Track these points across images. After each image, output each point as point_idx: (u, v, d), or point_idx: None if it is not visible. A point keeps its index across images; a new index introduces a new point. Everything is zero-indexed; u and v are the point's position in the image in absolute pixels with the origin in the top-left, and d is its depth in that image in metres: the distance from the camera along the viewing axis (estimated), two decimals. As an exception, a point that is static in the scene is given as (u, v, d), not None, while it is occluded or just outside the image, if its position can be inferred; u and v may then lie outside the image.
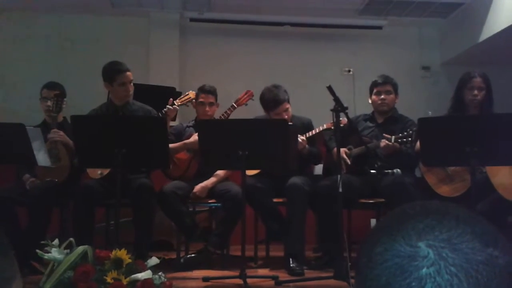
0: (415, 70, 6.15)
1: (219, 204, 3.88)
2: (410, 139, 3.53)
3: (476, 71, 3.75)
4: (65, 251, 2.43)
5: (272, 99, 3.85)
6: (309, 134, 3.88)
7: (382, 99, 3.92)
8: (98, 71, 3.80)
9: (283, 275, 3.42)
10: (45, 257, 2.41)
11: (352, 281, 2.87)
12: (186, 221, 3.81)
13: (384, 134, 3.69)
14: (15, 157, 3.38)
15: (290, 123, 3.44)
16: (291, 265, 3.55)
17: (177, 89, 4.98)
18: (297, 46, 6.03)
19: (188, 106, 3.98)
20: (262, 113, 4.01)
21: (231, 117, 4.07)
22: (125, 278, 2.35)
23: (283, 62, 5.95)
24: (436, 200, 0.67)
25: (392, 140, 3.60)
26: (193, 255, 3.82)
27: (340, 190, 3.12)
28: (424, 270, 0.58)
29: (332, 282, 3.15)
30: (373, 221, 4.70)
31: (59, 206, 3.78)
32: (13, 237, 3.32)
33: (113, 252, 2.42)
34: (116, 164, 3.21)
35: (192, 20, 5.83)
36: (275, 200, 3.86)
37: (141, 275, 2.38)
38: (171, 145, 3.62)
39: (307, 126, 3.95)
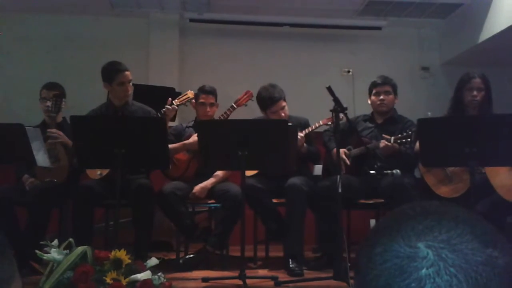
0: (414, 70, 6.15)
1: (218, 205, 3.88)
2: (409, 139, 3.53)
3: (476, 72, 3.76)
4: (65, 251, 2.43)
5: (268, 97, 3.86)
6: (305, 131, 3.88)
7: (381, 99, 3.92)
8: (98, 72, 3.80)
9: (282, 276, 3.42)
10: (45, 257, 2.41)
11: (352, 281, 2.87)
12: (185, 221, 3.81)
13: (383, 135, 3.69)
14: (14, 157, 3.38)
15: (290, 123, 3.43)
16: (291, 266, 3.55)
17: (177, 90, 4.98)
18: (296, 46, 6.03)
19: (187, 105, 3.98)
20: (262, 113, 4.01)
21: (230, 117, 4.07)
22: (125, 278, 2.34)
23: (283, 62, 5.95)
24: (436, 200, 0.67)
25: (392, 141, 3.60)
26: (192, 255, 3.82)
27: (340, 190, 3.12)
28: (424, 271, 0.58)
29: (331, 282, 3.15)
30: (372, 222, 4.71)
31: (58, 206, 3.78)
32: (13, 237, 3.32)
33: (113, 253, 2.42)
34: (115, 164, 3.21)
35: (191, 20, 5.83)
36: (274, 200, 3.86)
37: (141, 276, 2.38)
38: (170, 146, 3.62)
39: (304, 125, 3.96)
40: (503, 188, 3.31)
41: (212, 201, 3.91)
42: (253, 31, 5.95)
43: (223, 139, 3.32)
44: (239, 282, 3.11)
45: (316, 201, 3.74)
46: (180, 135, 4.08)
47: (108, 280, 2.32)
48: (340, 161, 3.37)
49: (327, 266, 3.52)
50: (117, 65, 3.75)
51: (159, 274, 2.48)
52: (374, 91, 3.97)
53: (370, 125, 4.01)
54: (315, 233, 4.47)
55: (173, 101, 3.86)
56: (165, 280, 2.49)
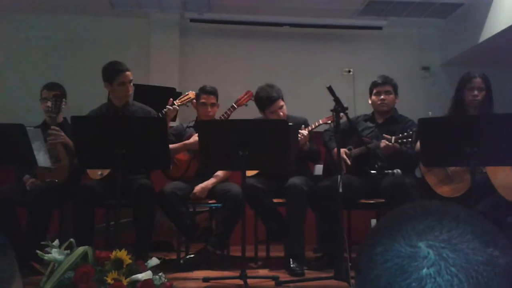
0: (415, 70, 6.15)
1: (219, 205, 3.88)
2: (410, 139, 3.53)
3: (476, 72, 3.76)
4: (66, 251, 2.43)
5: (266, 97, 3.86)
6: (309, 128, 3.89)
7: (382, 99, 3.92)
8: (98, 72, 3.80)
9: (283, 276, 3.42)
10: (45, 257, 2.41)
11: (353, 281, 2.87)
12: (186, 221, 3.81)
13: (384, 135, 3.69)
14: (15, 158, 3.38)
15: (290, 123, 3.43)
16: (292, 266, 3.55)
17: (177, 90, 4.99)
18: (297, 46, 6.03)
19: (188, 106, 3.98)
20: (260, 114, 4.01)
21: (231, 117, 4.08)
22: (126, 278, 2.34)
23: (283, 62, 5.95)
24: (436, 200, 0.67)
25: (392, 141, 3.60)
26: (193, 255, 3.82)
27: (340, 190, 3.12)
28: (424, 270, 0.58)
29: (332, 282, 3.15)
30: (373, 222, 4.71)
31: (59, 206, 3.79)
32: (13, 237, 3.32)
33: (113, 253, 2.42)
34: (116, 164, 3.21)
35: (192, 20, 5.83)
36: (274, 200, 3.86)
37: (142, 276, 2.38)
38: (171, 146, 3.62)
39: (303, 125, 3.95)
40: (504, 188, 3.30)
41: (213, 201, 3.91)
42: (253, 31, 5.95)
43: (224, 139, 3.32)
44: (240, 282, 3.11)
45: (316, 201, 3.74)
46: (180, 135, 4.08)
47: (109, 280, 2.32)
48: (340, 161, 3.37)
49: (328, 266, 3.52)
50: (117, 65, 3.75)
51: (160, 274, 2.48)
52: (374, 91, 3.97)
53: (371, 125, 4.01)
54: (315, 233, 4.47)
55: (174, 102, 3.86)
56: (166, 280, 2.49)
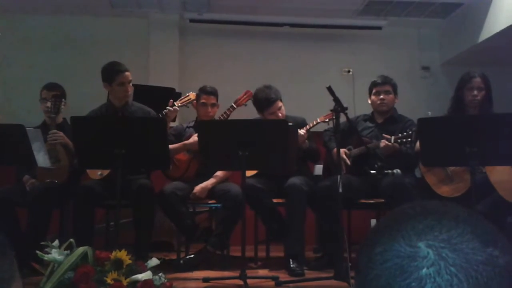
0: (414, 70, 6.15)
1: (219, 205, 3.88)
2: (410, 139, 3.53)
3: (476, 71, 3.76)
4: (65, 252, 2.43)
5: (265, 98, 3.86)
6: (307, 127, 3.89)
7: (381, 99, 3.92)
8: (98, 72, 3.80)
9: (283, 276, 3.42)
10: (45, 258, 2.41)
11: (352, 281, 2.87)
12: (186, 221, 3.81)
13: (383, 135, 3.69)
14: (15, 158, 3.38)
15: (290, 123, 3.43)
16: (291, 266, 3.55)
17: (177, 90, 4.99)
18: (296, 46, 6.03)
19: (188, 107, 3.99)
20: (259, 115, 4.01)
21: (230, 117, 4.08)
22: (125, 279, 2.34)
23: (283, 62, 5.95)
24: (436, 200, 0.67)
25: (392, 140, 3.60)
26: (193, 255, 3.82)
27: (340, 190, 3.12)
28: (424, 270, 0.58)
29: (332, 282, 3.15)
30: (373, 222, 4.70)
31: (59, 207, 3.78)
32: (13, 238, 3.32)
33: (113, 253, 2.42)
34: (115, 165, 3.21)
35: (191, 21, 5.83)
36: (274, 200, 3.86)
37: (141, 276, 2.38)
38: (170, 146, 3.62)
39: (301, 124, 3.95)
40: (504, 188, 3.30)
41: (213, 201, 3.91)
42: (253, 31, 5.95)
43: (224, 139, 3.32)
44: (240, 282, 3.11)
45: (316, 201, 3.74)
46: (180, 135, 4.08)
47: (109, 280, 2.32)
48: (340, 161, 3.37)
49: (328, 266, 3.52)
50: (117, 66, 3.75)
51: (159, 274, 2.48)
52: (374, 91, 3.97)
53: (371, 124, 4.01)
54: (315, 233, 4.47)
55: (175, 103, 3.86)
56: (166, 280, 2.49)
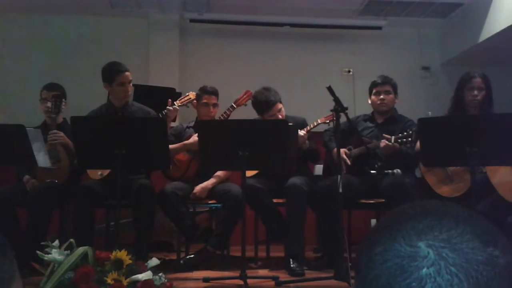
0: (415, 70, 6.15)
1: (219, 205, 3.88)
2: (410, 139, 3.53)
3: (476, 71, 3.75)
4: (65, 252, 2.43)
5: (264, 101, 3.85)
6: (307, 128, 3.89)
7: (381, 99, 3.92)
8: (98, 72, 3.81)
9: (283, 276, 3.42)
10: (45, 258, 2.41)
11: (352, 281, 2.87)
12: (186, 221, 3.81)
13: (384, 134, 3.69)
14: (15, 158, 3.38)
15: (290, 123, 3.43)
16: (292, 266, 3.55)
17: (177, 90, 4.99)
18: (296, 46, 6.03)
19: (188, 107, 3.99)
20: (259, 117, 4.01)
21: (230, 117, 4.08)
22: (126, 279, 2.35)
23: (283, 62, 5.95)
24: (436, 200, 0.67)
25: (392, 140, 3.60)
26: (193, 255, 3.82)
27: (340, 190, 3.12)
28: (424, 270, 0.58)
29: (332, 282, 3.15)
30: (373, 222, 4.70)
31: (59, 207, 3.78)
32: (13, 238, 3.33)
33: (114, 253, 2.42)
34: (116, 165, 3.21)
35: (191, 21, 5.83)
36: (275, 200, 3.86)
37: (142, 276, 2.38)
38: (170, 146, 3.61)
39: (301, 125, 3.95)
40: (504, 189, 3.30)
41: (213, 201, 3.91)
42: (253, 31, 5.95)
43: (224, 139, 3.32)
44: (240, 282, 3.11)
45: (316, 201, 3.74)
46: (180, 135, 4.08)
47: (109, 280, 2.32)
48: (340, 161, 3.37)
49: (328, 266, 3.52)
50: (117, 66, 3.75)
51: (160, 274, 2.48)
52: (374, 91, 3.97)
53: (371, 124, 4.01)
54: (315, 233, 4.47)
55: (174, 102, 3.86)
56: (166, 280, 2.50)
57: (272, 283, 3.22)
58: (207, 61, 5.93)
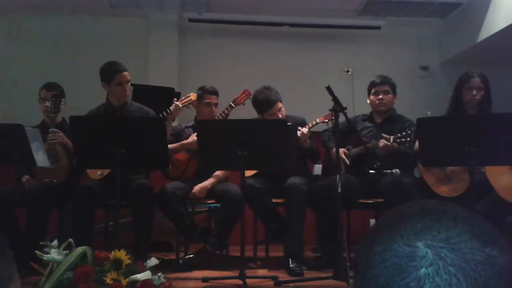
0: (413, 70, 6.14)
1: (218, 205, 3.88)
2: (408, 139, 3.53)
3: (475, 71, 3.76)
4: (64, 252, 2.43)
5: (264, 100, 3.85)
6: (308, 126, 3.89)
7: (380, 99, 3.92)
8: (97, 72, 3.80)
9: (282, 276, 3.42)
10: (44, 258, 2.41)
11: (351, 281, 2.87)
12: (185, 221, 3.81)
13: (382, 134, 3.69)
14: (14, 158, 3.37)
15: (289, 123, 3.43)
16: (291, 266, 3.55)
17: (176, 90, 4.98)
18: (295, 46, 6.03)
19: (189, 108, 3.99)
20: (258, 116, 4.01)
21: (229, 116, 4.08)
22: (125, 278, 2.34)
23: (282, 62, 5.95)
24: (435, 200, 0.67)
25: (391, 140, 3.60)
26: (192, 255, 3.82)
27: (339, 190, 3.12)
28: (423, 270, 0.58)
29: (331, 282, 3.16)
30: (372, 221, 4.71)
31: (58, 207, 3.78)
32: (12, 238, 3.32)
33: (113, 253, 2.42)
34: (115, 164, 3.21)
35: (190, 20, 5.82)
36: (274, 200, 3.86)
37: (141, 276, 2.38)
38: (169, 146, 3.61)
39: (301, 124, 3.95)
40: (503, 188, 3.31)
41: (212, 201, 3.91)
42: (252, 31, 5.94)
43: (223, 139, 3.32)
44: (239, 282, 3.11)
45: (315, 201, 3.74)
46: (179, 135, 4.08)
47: (108, 280, 2.32)
48: (339, 160, 3.37)
49: (327, 266, 3.52)
50: (115, 65, 3.75)
51: (159, 274, 2.48)
52: (373, 91, 3.97)
53: (369, 124, 4.01)
54: (315, 233, 4.47)
55: (176, 103, 3.86)
56: (165, 280, 2.50)
57: (271, 283, 3.22)
58: (206, 61, 5.93)
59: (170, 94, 4.45)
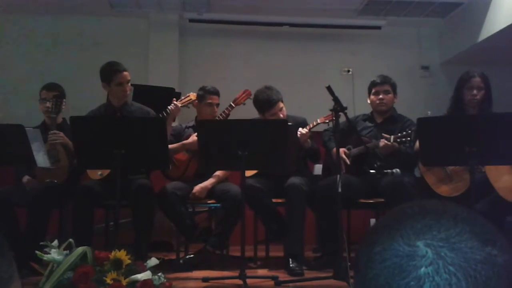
0: (414, 70, 6.15)
1: (218, 205, 3.88)
2: (409, 138, 3.53)
3: (475, 71, 3.75)
4: (65, 252, 2.43)
5: (266, 100, 3.85)
6: (309, 126, 3.89)
7: (381, 99, 3.92)
8: (98, 72, 3.80)
9: (282, 276, 3.42)
10: (45, 258, 2.41)
11: (352, 281, 2.87)
12: (185, 221, 3.81)
13: (383, 134, 3.69)
14: (14, 158, 3.37)
15: (289, 123, 3.43)
16: (291, 265, 3.55)
17: (177, 90, 4.98)
18: (296, 46, 6.03)
19: (189, 107, 3.98)
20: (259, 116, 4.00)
21: (229, 116, 4.08)
22: (125, 279, 2.34)
23: (282, 62, 5.95)
24: (435, 199, 0.67)
25: (391, 140, 3.60)
26: (192, 255, 3.82)
27: (340, 190, 3.12)
28: (423, 269, 0.58)
29: (331, 282, 3.15)
30: (372, 221, 4.70)
31: (58, 207, 3.78)
32: (12, 238, 3.33)
33: (113, 253, 2.42)
34: (115, 165, 3.21)
35: (191, 21, 5.82)
36: (274, 200, 3.86)
37: (141, 276, 2.38)
38: (169, 146, 3.62)
39: (301, 124, 3.95)
40: (503, 188, 3.30)
41: (212, 201, 3.91)
42: (253, 31, 5.95)
43: (223, 139, 3.32)
44: (239, 282, 3.11)
45: (316, 200, 3.74)
46: (179, 135, 4.08)
47: (108, 280, 2.32)
48: (340, 160, 3.37)
49: (327, 266, 3.52)
50: (115, 66, 3.75)
51: (159, 274, 2.48)
52: (373, 91, 3.96)
53: (370, 124, 4.01)
54: (315, 233, 4.47)
55: (175, 102, 3.86)
56: (165, 280, 2.49)
57: (272, 282, 3.22)
58: (206, 61, 5.93)
59: (170, 94, 4.45)
